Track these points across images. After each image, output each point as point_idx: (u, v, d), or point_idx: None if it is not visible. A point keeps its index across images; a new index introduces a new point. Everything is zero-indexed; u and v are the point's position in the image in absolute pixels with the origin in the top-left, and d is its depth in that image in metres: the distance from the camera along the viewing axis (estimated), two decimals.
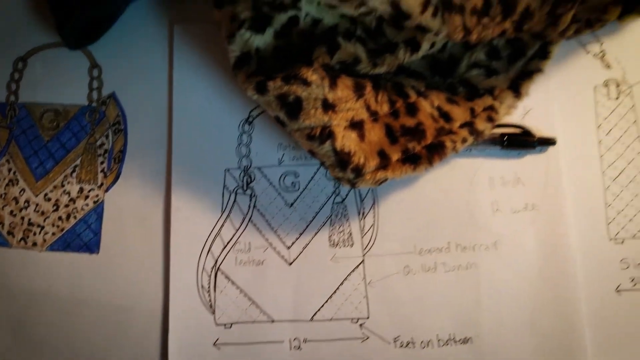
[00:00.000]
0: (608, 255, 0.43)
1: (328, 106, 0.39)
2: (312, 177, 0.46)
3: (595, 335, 0.42)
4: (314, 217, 0.45)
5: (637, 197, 0.44)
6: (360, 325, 0.44)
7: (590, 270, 0.43)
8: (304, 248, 0.45)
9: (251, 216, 0.46)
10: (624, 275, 0.43)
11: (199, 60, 0.48)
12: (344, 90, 0.40)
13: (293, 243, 0.45)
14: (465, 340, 0.43)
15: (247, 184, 0.46)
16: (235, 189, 0.46)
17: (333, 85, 0.39)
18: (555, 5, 0.37)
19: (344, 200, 0.46)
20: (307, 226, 0.45)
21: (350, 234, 0.45)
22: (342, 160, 0.39)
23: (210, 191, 0.46)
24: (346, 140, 0.39)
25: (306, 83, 0.39)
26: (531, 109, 0.46)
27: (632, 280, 0.43)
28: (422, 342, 0.43)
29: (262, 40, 0.41)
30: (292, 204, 0.46)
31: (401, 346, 0.43)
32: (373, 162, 0.40)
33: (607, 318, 0.43)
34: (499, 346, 0.43)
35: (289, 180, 0.46)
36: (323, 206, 0.46)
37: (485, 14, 0.37)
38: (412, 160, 0.41)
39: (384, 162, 0.40)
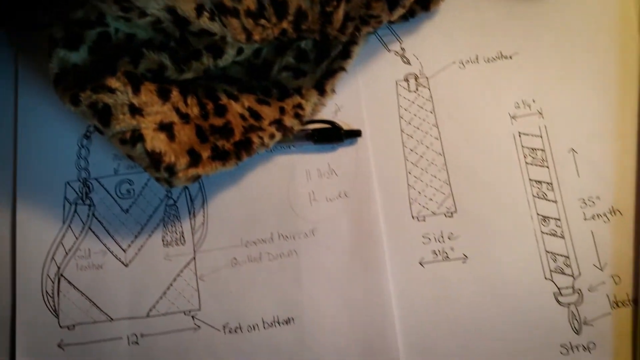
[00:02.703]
0: (411, 233, 0.48)
1: (135, 110, 0.43)
2: (146, 184, 0.50)
3: (403, 304, 0.46)
4: (148, 220, 0.49)
5: (436, 178, 0.48)
6: (193, 316, 0.47)
7: (396, 247, 0.47)
8: (139, 249, 0.48)
9: (90, 224, 0.49)
10: (426, 249, 0.47)
11: (42, 84, 0.51)
12: (147, 94, 0.44)
13: (129, 246, 0.49)
14: (288, 321, 0.47)
15: (86, 194, 0.50)
16: (75, 200, 0.49)
17: (136, 91, 0.43)
18: (322, 4, 0.42)
19: (175, 202, 0.49)
20: (142, 229, 0.49)
21: (182, 233, 0.49)
22: (155, 160, 0.43)
23: (52, 204, 0.49)
24: (156, 141, 0.43)
25: (111, 90, 0.43)
26: (342, 106, 0.50)
27: (434, 253, 0.47)
28: (248, 326, 0.47)
29: (78, 57, 0.45)
30: (127, 210, 0.49)
31: (230, 332, 0.47)
32: (184, 160, 0.44)
33: (412, 288, 0.47)
34: (319, 322, 0.46)
35: (124, 188, 0.50)
36: (156, 209, 0.49)
37: (260, 16, 0.41)
38: (222, 156, 0.45)
39: (195, 159, 0.44)
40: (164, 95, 0.44)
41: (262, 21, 0.41)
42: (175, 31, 0.46)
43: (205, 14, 0.39)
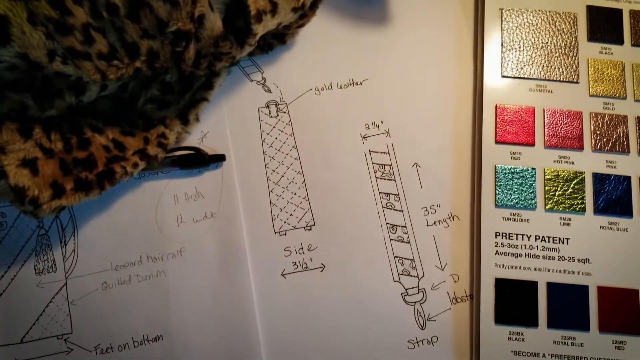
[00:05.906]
0: (274, 247, 0.51)
1: None
2: (18, 216, 0.52)
3: (266, 313, 0.50)
4: (20, 251, 0.51)
5: (295, 195, 0.53)
6: (65, 340, 0.49)
7: (259, 261, 0.51)
8: (12, 279, 0.50)
9: None
10: (287, 261, 0.51)
11: None
12: (8, 134, 0.46)
13: (2, 276, 0.50)
14: (157, 338, 0.49)
15: None
16: None
17: None
18: (172, 44, 0.46)
19: (47, 232, 0.51)
20: (15, 259, 0.50)
21: (54, 261, 0.51)
22: (19, 195, 0.45)
23: None
24: (19, 177, 0.45)
25: None
26: (208, 133, 0.54)
27: (294, 264, 0.51)
28: (119, 345, 0.49)
29: None
30: (0, 242, 0.51)
31: (101, 352, 0.49)
32: (47, 193, 0.46)
33: (275, 298, 0.50)
34: (187, 337, 0.49)
35: None
36: (28, 240, 0.51)
37: (113, 57, 0.45)
38: (85, 187, 0.47)
39: (58, 192, 0.46)
40: (25, 134, 0.46)
41: (115, 62, 0.44)
42: (36, 73, 0.48)
43: (58, 58, 0.42)
